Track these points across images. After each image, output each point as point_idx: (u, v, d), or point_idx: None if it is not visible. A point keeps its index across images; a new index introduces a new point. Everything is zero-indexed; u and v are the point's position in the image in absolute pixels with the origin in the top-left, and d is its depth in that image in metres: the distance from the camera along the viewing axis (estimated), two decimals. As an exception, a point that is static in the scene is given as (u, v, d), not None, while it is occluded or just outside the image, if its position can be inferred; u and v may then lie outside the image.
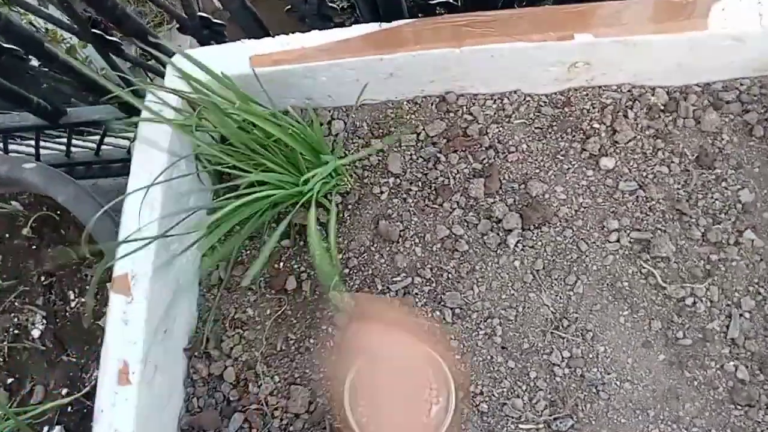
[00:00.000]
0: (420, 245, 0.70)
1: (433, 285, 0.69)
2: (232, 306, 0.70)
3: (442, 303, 0.68)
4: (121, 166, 1.17)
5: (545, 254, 0.69)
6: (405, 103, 0.77)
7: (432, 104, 0.77)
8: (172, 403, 0.64)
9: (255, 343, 0.68)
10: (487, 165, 0.73)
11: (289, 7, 0.81)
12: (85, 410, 0.73)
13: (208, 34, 0.83)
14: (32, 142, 1.06)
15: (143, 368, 0.58)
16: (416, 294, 0.68)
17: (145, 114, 0.64)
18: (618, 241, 0.68)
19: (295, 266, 0.71)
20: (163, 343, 0.62)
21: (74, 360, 0.77)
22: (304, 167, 0.66)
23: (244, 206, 0.62)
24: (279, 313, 0.69)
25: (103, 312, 0.78)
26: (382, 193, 0.73)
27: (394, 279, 0.69)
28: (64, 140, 1.10)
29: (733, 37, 0.65)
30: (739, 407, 0.61)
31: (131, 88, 0.82)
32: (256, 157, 0.65)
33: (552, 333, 0.65)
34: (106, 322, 0.59)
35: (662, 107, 0.73)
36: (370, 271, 0.70)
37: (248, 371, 0.67)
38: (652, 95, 0.74)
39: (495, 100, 0.76)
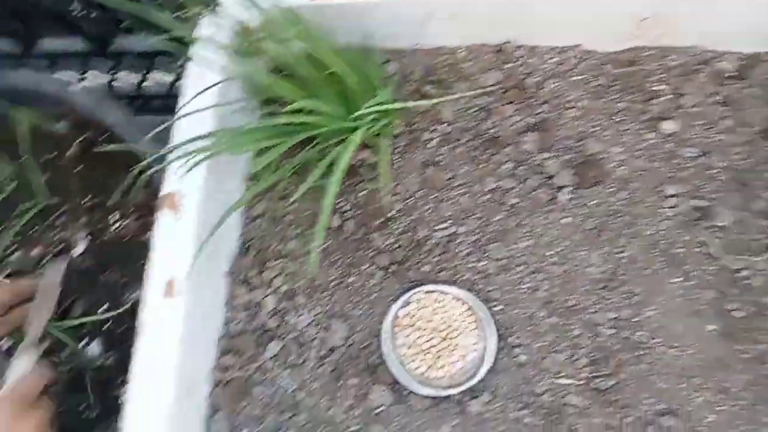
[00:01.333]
0: (467, 195, 0.69)
1: (478, 235, 0.67)
2: (274, 238, 0.70)
3: (486, 254, 0.66)
4: (162, 103, 1.16)
5: (597, 214, 0.67)
6: (461, 50, 0.75)
7: (489, 53, 0.74)
8: (212, 325, 0.65)
9: (296, 276, 0.68)
10: (542, 120, 0.71)
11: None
12: (124, 327, 0.74)
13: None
14: (76, 71, 1.06)
15: (189, 285, 0.58)
16: (460, 243, 0.67)
17: (199, 37, 0.63)
18: (674, 207, 0.66)
19: (339, 204, 0.71)
20: (206, 264, 0.62)
21: (114, 279, 0.78)
22: (357, 105, 0.64)
23: (291, 132, 0.61)
24: (321, 248, 0.68)
25: (144, 234, 0.79)
26: (431, 140, 0.71)
27: (438, 226, 0.68)
28: (107, 73, 1.09)
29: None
30: (788, 383, 0.59)
31: (184, 13, 0.81)
32: (309, 90, 0.64)
33: (598, 293, 0.64)
34: (153, 237, 0.59)
35: (732, 73, 0.70)
36: (414, 216, 0.69)
37: (288, 301, 0.67)
38: (722, 60, 0.71)
39: (555, 54, 0.74)
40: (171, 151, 0.60)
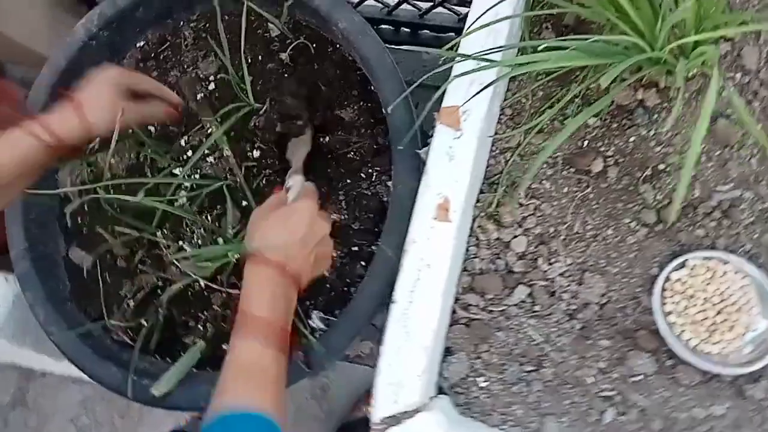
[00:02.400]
0: (758, 156, 0.60)
1: (766, 205, 0.59)
2: (527, 174, 0.63)
3: (775, 225, 0.58)
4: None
5: None
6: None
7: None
8: (461, 257, 0.60)
9: (550, 219, 0.61)
10: None
11: None
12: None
13: None
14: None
15: (464, 208, 0.52)
16: (743, 209, 0.59)
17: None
18: None
19: (602, 148, 0.63)
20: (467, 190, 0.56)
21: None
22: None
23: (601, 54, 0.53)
24: (578, 194, 0.62)
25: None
26: (723, 88, 0.62)
27: (719, 188, 0.60)
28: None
29: None
30: None
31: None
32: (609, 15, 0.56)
33: None
34: (429, 153, 0.54)
35: None
36: (693, 173, 0.60)
37: (540, 246, 0.61)
38: None
39: None
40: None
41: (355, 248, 0.79)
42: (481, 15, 0.54)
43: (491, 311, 0.60)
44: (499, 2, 0.54)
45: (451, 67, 0.59)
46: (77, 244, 0.88)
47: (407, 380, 0.50)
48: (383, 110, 0.80)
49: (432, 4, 0.90)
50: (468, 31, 0.55)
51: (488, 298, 0.60)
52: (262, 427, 0.49)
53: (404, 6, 0.94)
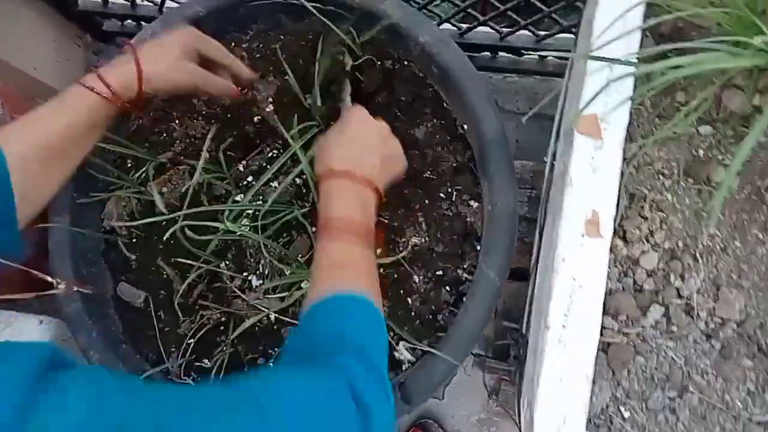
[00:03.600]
0: None
1: None
2: (644, 186, 0.60)
3: None
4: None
5: None
6: None
7: None
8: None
9: (677, 232, 0.58)
10: None
11: None
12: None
13: None
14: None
15: (614, 221, 0.48)
16: None
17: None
18: None
19: (719, 157, 0.61)
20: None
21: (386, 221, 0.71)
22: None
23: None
24: (701, 204, 0.59)
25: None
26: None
27: None
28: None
29: None
30: None
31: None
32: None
33: None
34: (570, 164, 0.50)
35: None
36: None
37: (671, 261, 0.57)
38: None
39: None
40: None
41: (440, 272, 0.75)
42: (610, 24, 0.51)
43: (627, 333, 0.56)
44: (627, 11, 0.52)
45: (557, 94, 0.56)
46: (126, 281, 0.81)
47: (571, 413, 0.46)
48: (460, 127, 0.77)
49: (516, 26, 0.88)
50: (595, 41, 0.52)
51: (622, 319, 0.56)
52: (362, 305, 0.48)
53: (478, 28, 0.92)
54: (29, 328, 0.85)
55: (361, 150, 0.60)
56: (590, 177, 0.50)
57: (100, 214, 0.82)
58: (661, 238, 0.58)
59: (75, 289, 0.73)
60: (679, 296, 0.56)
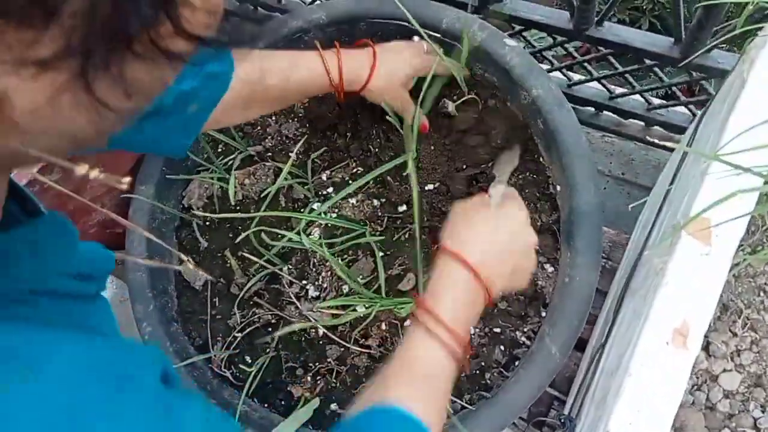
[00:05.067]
0: None
1: None
2: (740, 299, 0.56)
3: None
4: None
5: None
6: None
7: None
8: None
9: (765, 356, 0.54)
10: None
11: None
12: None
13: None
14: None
15: (705, 335, 0.45)
16: None
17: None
18: None
19: (832, 287, 0.56)
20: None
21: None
22: None
23: None
24: (801, 335, 0.54)
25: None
26: None
27: None
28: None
29: None
30: None
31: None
32: None
33: None
34: (669, 265, 0.47)
35: None
36: None
37: (754, 387, 0.53)
38: None
39: None
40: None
41: (497, 330, 0.72)
42: (748, 129, 0.48)
43: (690, 453, 0.52)
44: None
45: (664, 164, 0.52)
46: (191, 261, 0.83)
47: None
48: (552, 186, 0.74)
49: (631, 91, 0.85)
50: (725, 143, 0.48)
51: (687, 436, 0.52)
52: (409, 427, 0.44)
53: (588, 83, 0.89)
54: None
55: (501, 254, 0.55)
56: (689, 284, 0.47)
57: (182, 191, 0.85)
58: (748, 360, 0.54)
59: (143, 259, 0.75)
60: (756, 428, 0.52)
